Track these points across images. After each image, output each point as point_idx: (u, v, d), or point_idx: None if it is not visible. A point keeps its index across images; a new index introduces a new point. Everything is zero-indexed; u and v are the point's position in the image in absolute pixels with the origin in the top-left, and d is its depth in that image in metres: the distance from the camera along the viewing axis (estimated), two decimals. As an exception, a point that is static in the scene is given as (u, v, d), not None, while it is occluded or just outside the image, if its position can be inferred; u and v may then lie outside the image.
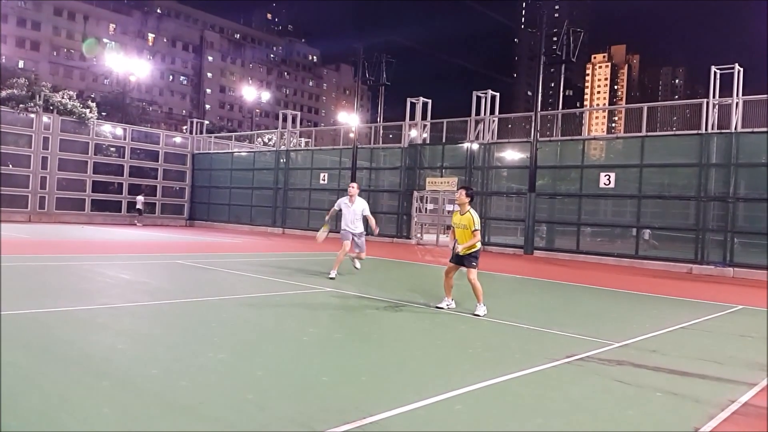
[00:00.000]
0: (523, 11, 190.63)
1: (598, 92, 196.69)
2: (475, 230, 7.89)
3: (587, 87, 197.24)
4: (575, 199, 21.25)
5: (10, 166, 27.52)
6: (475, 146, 23.72)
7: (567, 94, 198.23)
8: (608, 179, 20.46)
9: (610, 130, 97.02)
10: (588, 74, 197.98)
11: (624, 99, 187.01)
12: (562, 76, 24.50)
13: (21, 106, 27.69)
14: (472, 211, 8.00)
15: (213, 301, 8.25)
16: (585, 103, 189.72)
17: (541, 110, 21.51)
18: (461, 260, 8.00)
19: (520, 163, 22.86)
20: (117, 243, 18.27)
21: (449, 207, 24.53)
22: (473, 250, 7.98)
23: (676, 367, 5.59)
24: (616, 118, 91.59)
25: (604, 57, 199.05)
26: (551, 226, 22.06)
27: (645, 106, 20.01)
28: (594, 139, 21.43)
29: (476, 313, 7.84)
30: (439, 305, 8.26)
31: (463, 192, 8.04)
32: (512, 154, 23.68)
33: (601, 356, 5.86)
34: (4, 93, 27.72)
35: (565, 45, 22.77)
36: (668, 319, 8.43)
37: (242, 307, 7.93)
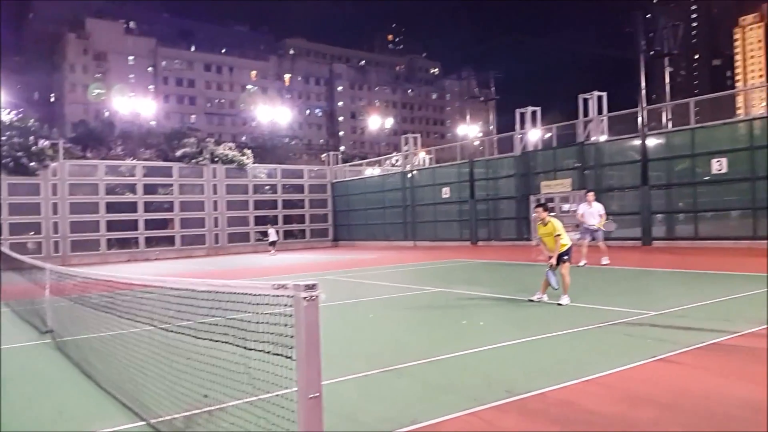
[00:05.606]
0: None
1: (752, 57, 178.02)
2: (557, 235, 9.32)
3: (737, 53, 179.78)
4: (689, 187, 21.82)
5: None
6: (586, 147, 24.92)
7: (714, 64, 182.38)
8: (720, 164, 20.85)
9: None
10: (737, 39, 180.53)
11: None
12: (666, 69, 24.96)
13: (193, 161, 33.66)
14: (553, 220, 9.53)
15: (360, 301, 11.19)
16: (737, 71, 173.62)
17: (684, 94, 22.06)
18: (558, 259, 9.36)
19: (630, 158, 23.72)
20: (275, 266, 22.25)
21: (565, 207, 25.91)
22: (565, 248, 9.41)
23: (687, 325, 7.41)
24: None
25: (755, 18, 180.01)
26: (670, 215, 22.72)
27: None
28: (702, 127, 21.83)
29: (560, 302, 9.13)
30: (532, 298, 9.71)
31: (539, 209, 9.70)
32: (623, 150, 24.52)
33: (631, 321, 7.84)
34: (179, 152, 33.88)
35: (666, 39, 23.36)
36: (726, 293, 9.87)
37: (385, 306, 10.77)
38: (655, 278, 13.25)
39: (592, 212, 15.43)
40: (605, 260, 15.30)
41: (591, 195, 16.00)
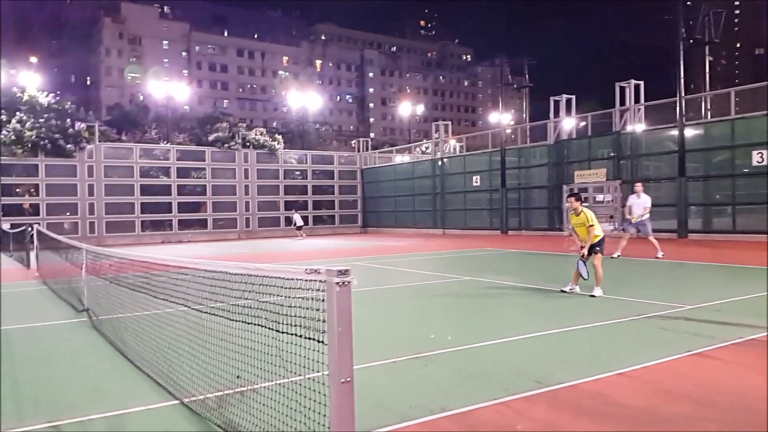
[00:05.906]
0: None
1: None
2: (590, 226, 9.21)
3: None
4: (728, 179, 21.25)
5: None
6: (622, 136, 24.45)
7: (757, 53, 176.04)
8: (761, 157, 20.25)
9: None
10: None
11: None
12: (707, 57, 24.23)
13: (225, 145, 34.05)
14: (586, 210, 9.38)
15: (386, 288, 11.25)
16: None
17: (725, 84, 21.59)
18: (590, 250, 9.30)
19: (667, 149, 23.20)
20: (304, 251, 22.45)
21: (599, 197, 25.50)
22: (597, 239, 9.31)
23: (723, 319, 7.23)
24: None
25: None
26: (707, 208, 22.19)
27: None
28: (742, 118, 21.18)
29: (593, 294, 9.06)
30: (563, 289, 9.66)
31: (572, 198, 9.55)
32: (660, 140, 24.01)
33: (665, 315, 7.69)
34: (212, 136, 34.29)
35: (707, 27, 22.67)
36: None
37: (413, 294, 10.80)
38: (690, 271, 12.98)
39: (639, 204, 15.13)
40: (660, 254, 14.78)
41: (639, 186, 15.56)
